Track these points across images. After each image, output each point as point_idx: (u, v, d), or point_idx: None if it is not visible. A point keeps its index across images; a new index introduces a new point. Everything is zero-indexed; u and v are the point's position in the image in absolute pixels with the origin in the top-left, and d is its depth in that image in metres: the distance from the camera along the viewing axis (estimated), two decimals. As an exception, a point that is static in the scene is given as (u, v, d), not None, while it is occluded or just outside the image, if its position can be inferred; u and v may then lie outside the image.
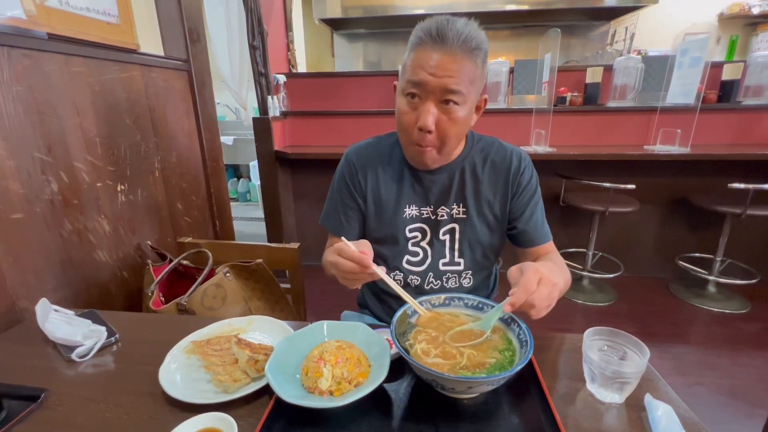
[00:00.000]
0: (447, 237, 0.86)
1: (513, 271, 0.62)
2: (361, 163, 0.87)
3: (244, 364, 0.62)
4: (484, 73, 0.74)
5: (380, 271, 0.64)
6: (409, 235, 0.86)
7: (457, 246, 0.86)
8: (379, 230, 0.87)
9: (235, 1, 2.68)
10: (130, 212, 1.23)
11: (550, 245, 0.86)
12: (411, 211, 0.85)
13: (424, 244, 0.87)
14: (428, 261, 0.86)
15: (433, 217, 0.85)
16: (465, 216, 0.84)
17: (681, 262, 2.41)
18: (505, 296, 0.62)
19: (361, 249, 0.64)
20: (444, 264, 0.86)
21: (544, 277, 0.58)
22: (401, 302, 0.67)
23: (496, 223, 0.85)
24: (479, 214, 0.84)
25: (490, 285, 0.95)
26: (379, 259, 0.89)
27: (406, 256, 0.87)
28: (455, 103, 0.70)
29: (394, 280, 0.89)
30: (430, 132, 0.72)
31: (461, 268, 0.86)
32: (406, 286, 0.88)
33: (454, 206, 0.84)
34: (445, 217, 0.85)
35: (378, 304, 0.96)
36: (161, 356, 0.66)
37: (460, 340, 0.62)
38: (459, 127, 0.74)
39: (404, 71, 0.74)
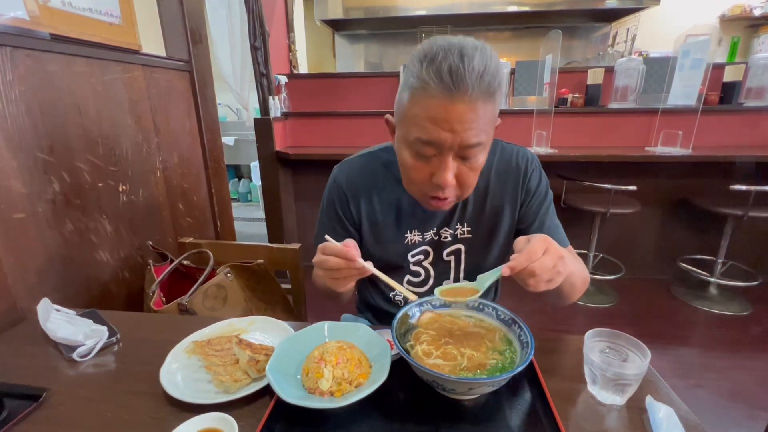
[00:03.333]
0: (452, 258, 0.81)
1: (520, 240, 0.58)
2: (352, 191, 0.79)
3: (244, 365, 0.62)
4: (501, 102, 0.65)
5: (368, 265, 0.61)
6: (411, 259, 0.81)
7: (462, 267, 0.81)
8: (379, 256, 0.80)
9: (236, 2, 2.68)
10: (131, 212, 1.24)
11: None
12: (413, 236, 0.79)
13: (426, 263, 0.82)
14: (431, 282, 0.83)
15: (436, 239, 0.80)
16: (470, 235, 0.79)
17: (682, 264, 2.41)
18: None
19: (345, 244, 0.61)
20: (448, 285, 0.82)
21: (552, 247, 0.55)
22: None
23: (503, 236, 0.80)
24: (486, 231, 0.79)
25: (491, 295, 0.92)
26: (377, 280, 0.86)
27: (407, 276, 0.83)
28: (476, 153, 0.61)
29: (394, 300, 0.86)
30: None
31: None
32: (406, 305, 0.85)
33: (458, 226, 0.79)
34: (449, 238, 0.80)
35: (374, 319, 0.93)
36: (162, 356, 0.66)
37: (452, 296, 0.62)
38: (479, 172, 0.66)
39: (406, 118, 0.62)
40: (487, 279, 0.61)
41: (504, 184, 0.77)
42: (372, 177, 0.80)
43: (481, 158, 0.63)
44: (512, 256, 0.55)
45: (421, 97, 0.58)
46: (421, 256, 0.81)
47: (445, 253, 0.81)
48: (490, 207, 0.78)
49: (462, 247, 0.80)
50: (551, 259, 0.54)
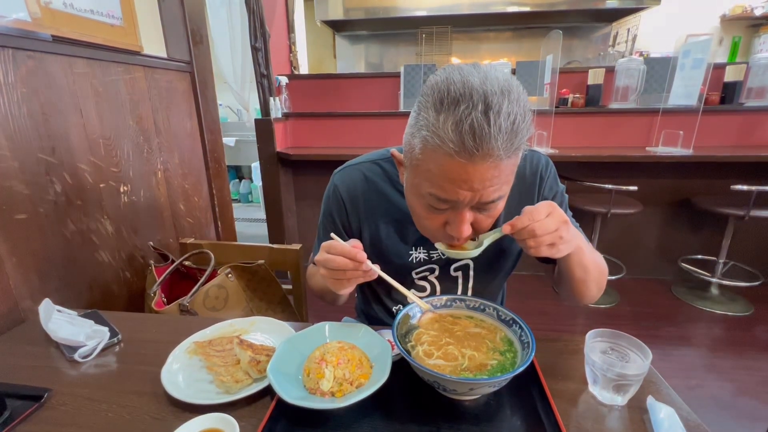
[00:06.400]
0: (459, 273, 0.78)
1: (527, 207, 0.57)
2: (352, 203, 0.75)
3: (246, 365, 0.62)
4: None
5: (375, 268, 0.61)
6: (416, 276, 0.78)
7: (471, 284, 0.78)
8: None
9: (237, 2, 2.69)
10: (132, 213, 1.24)
11: None
12: (418, 254, 0.76)
13: (432, 278, 0.79)
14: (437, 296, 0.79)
15: (443, 257, 0.76)
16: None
17: (683, 264, 2.40)
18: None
19: (353, 245, 0.60)
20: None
21: (555, 211, 0.54)
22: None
23: (515, 249, 0.77)
24: (497, 245, 0.72)
25: (498, 300, 0.89)
26: (381, 294, 0.84)
27: (412, 290, 0.78)
28: (496, 204, 0.57)
29: (396, 314, 0.84)
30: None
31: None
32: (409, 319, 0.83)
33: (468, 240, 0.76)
34: None
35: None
36: (163, 357, 0.66)
37: (454, 249, 0.62)
38: (497, 217, 0.62)
39: (418, 169, 0.55)
40: (487, 236, 0.61)
41: (518, 196, 0.72)
42: (375, 190, 0.75)
43: (500, 206, 0.59)
44: (515, 217, 0.55)
45: (436, 153, 0.51)
46: (427, 273, 0.78)
47: (452, 268, 0.78)
48: (503, 221, 0.73)
49: (470, 262, 0.77)
50: (554, 222, 0.53)
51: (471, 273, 0.79)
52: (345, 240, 0.75)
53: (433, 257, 0.76)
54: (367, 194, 0.75)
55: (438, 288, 0.80)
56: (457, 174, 0.51)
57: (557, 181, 0.76)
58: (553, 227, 0.53)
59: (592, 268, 0.68)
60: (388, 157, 0.76)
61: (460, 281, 0.79)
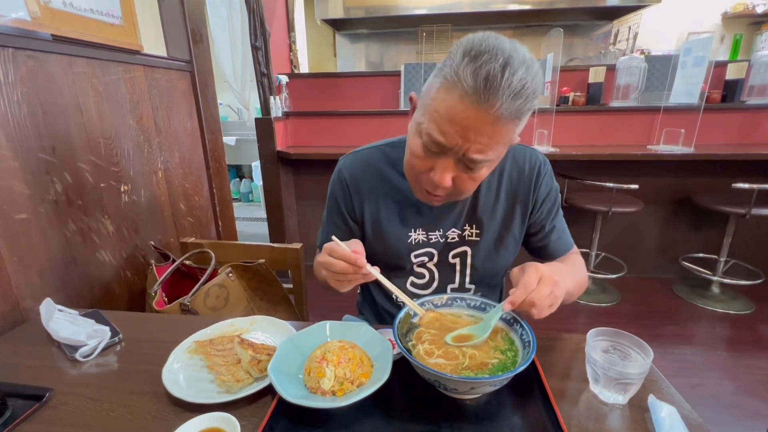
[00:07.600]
0: (457, 260, 0.80)
1: (515, 272, 0.61)
2: (355, 185, 0.79)
3: (246, 364, 0.62)
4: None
5: (374, 271, 0.62)
6: (414, 260, 0.80)
7: (468, 271, 0.80)
8: (381, 255, 0.80)
9: (237, 2, 2.69)
10: (133, 212, 1.24)
11: (571, 253, 0.82)
12: (417, 236, 0.78)
13: (430, 265, 0.81)
14: (435, 284, 0.82)
15: (442, 241, 0.78)
16: (478, 238, 0.78)
17: (685, 263, 2.40)
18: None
19: (354, 248, 0.62)
20: (452, 289, 0.82)
21: (545, 275, 0.57)
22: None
23: (512, 241, 0.79)
24: (494, 234, 0.78)
25: (496, 299, 0.90)
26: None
27: (411, 278, 0.82)
28: (480, 167, 0.61)
29: (397, 302, 0.85)
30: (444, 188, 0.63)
31: (471, 292, 0.82)
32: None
33: (466, 227, 0.78)
34: (456, 239, 0.78)
35: (373, 316, 0.92)
36: (164, 356, 0.66)
37: (460, 341, 0.62)
38: (479, 183, 0.65)
39: (428, 108, 0.59)
40: (491, 319, 0.62)
41: (516, 190, 0.77)
42: (377, 173, 0.78)
43: (484, 172, 0.62)
44: (510, 291, 0.58)
45: (449, 92, 0.55)
46: (425, 258, 0.80)
47: (450, 255, 0.80)
48: (501, 212, 0.77)
49: (468, 250, 0.79)
50: (547, 287, 0.57)
51: (469, 261, 0.80)
52: (348, 227, 0.80)
53: (432, 240, 0.78)
54: (369, 177, 0.79)
55: (436, 275, 0.81)
56: (457, 116, 0.55)
57: (553, 179, 0.80)
58: (547, 291, 0.56)
59: (575, 290, 0.73)
60: (391, 143, 0.80)
61: (458, 268, 0.81)
